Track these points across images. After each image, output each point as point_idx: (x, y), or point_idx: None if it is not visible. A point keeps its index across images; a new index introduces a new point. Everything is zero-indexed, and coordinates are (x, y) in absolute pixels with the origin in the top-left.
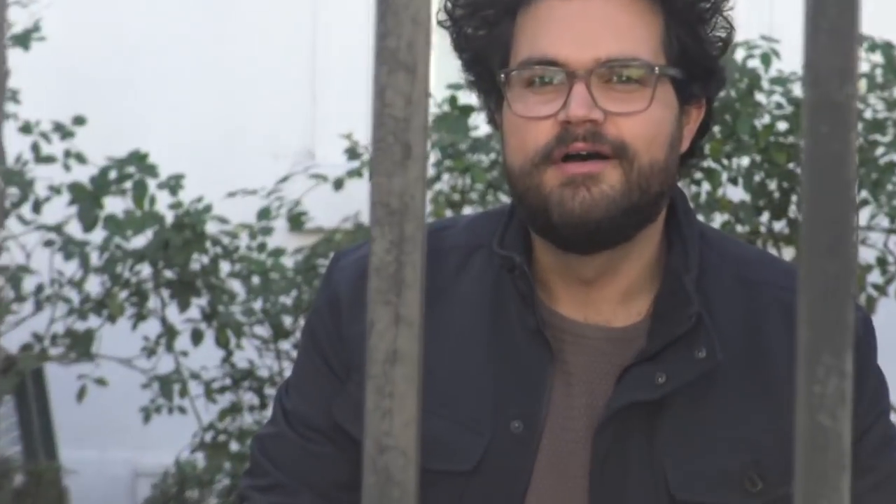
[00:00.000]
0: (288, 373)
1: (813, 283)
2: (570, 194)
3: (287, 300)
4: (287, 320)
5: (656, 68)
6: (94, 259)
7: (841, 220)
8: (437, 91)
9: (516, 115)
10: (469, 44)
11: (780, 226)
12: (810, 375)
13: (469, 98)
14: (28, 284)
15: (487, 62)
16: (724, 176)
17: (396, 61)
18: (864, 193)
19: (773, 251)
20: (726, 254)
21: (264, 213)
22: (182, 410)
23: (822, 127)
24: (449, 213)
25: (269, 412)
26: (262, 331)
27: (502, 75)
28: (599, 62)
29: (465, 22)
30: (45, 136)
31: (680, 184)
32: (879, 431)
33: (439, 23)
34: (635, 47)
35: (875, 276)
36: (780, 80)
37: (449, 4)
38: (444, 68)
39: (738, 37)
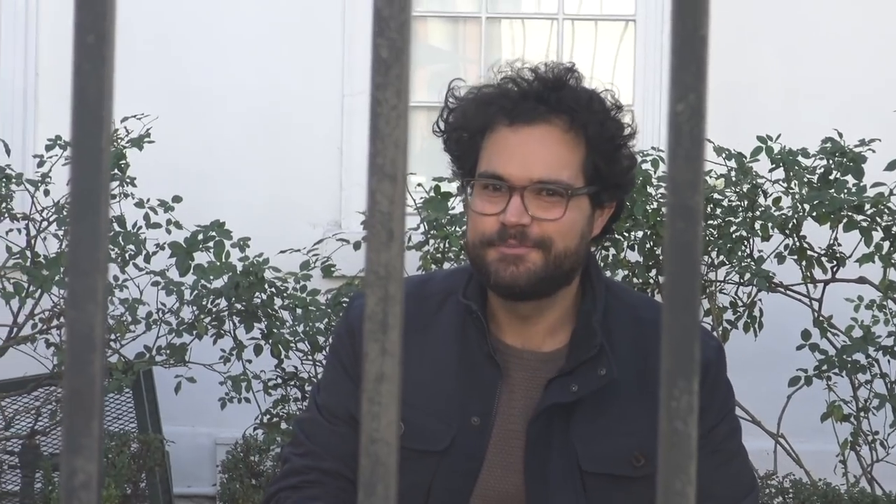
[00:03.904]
0: (320, 376)
1: (671, 329)
2: (503, 268)
3: (321, 325)
4: (320, 339)
5: (570, 190)
6: (187, 295)
7: (690, 287)
8: (427, 182)
9: (473, 209)
10: (452, 150)
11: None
12: (669, 394)
13: (448, 187)
14: (141, 312)
15: (463, 165)
16: (625, 244)
17: (383, 173)
18: (722, 258)
19: (657, 297)
20: (624, 300)
21: (305, 265)
22: (248, 400)
23: (678, 223)
24: (434, 267)
25: (307, 402)
26: (304, 346)
27: (467, 181)
28: (532, 181)
29: (449, 134)
30: (153, 209)
31: (594, 249)
32: (726, 425)
33: (434, 131)
34: (559, 171)
35: (729, 315)
36: (665, 178)
37: (441, 122)
38: (434, 166)
39: (637, 146)
